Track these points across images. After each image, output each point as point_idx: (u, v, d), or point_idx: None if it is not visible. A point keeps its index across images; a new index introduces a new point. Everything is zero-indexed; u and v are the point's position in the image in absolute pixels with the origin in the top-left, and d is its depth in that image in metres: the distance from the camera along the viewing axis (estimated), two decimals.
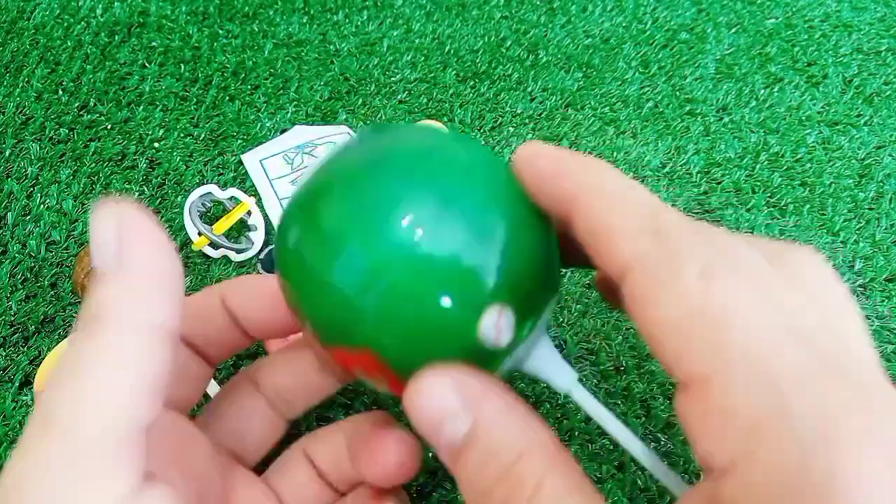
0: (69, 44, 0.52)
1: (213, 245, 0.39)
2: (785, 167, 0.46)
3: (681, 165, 0.46)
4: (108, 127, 0.47)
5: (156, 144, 0.46)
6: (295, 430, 0.27)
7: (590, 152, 0.46)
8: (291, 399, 0.26)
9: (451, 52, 0.53)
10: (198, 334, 0.24)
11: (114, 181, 0.44)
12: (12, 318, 0.37)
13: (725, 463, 0.13)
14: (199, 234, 0.39)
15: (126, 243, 0.17)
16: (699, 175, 0.45)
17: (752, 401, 0.13)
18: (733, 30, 0.56)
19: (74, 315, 0.37)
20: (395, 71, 0.51)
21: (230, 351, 0.26)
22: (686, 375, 0.14)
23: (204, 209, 0.41)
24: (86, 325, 0.16)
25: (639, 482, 0.32)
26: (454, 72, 0.51)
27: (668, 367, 0.15)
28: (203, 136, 0.46)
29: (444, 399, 0.18)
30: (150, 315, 0.16)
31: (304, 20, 0.55)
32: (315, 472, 0.25)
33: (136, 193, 0.43)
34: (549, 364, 0.21)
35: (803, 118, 0.49)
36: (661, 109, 0.49)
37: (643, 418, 0.34)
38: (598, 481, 0.32)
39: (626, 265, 0.16)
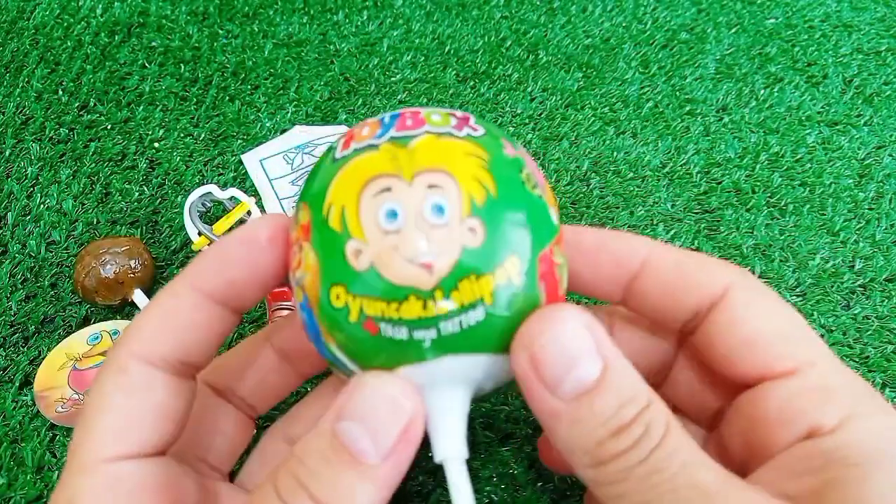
0: (69, 44, 0.52)
1: None
2: (785, 167, 0.46)
3: (681, 165, 0.46)
4: (108, 127, 0.47)
5: (156, 144, 0.46)
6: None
7: (590, 152, 0.46)
8: (257, 402, 0.25)
9: (451, 52, 0.53)
10: (247, 383, 0.24)
11: (114, 181, 0.44)
12: (12, 319, 0.37)
13: (834, 423, 0.17)
14: (200, 234, 0.39)
15: (404, 445, 0.18)
16: (699, 175, 0.45)
17: (846, 380, 0.18)
18: (733, 30, 0.56)
19: (74, 315, 0.37)
20: (395, 71, 0.51)
21: (276, 397, 0.25)
22: (786, 366, 0.18)
23: (204, 209, 0.41)
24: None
25: None
26: (454, 72, 0.51)
27: (766, 362, 0.19)
28: (203, 136, 0.46)
29: (580, 338, 0.17)
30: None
31: (304, 20, 0.55)
32: None
33: (136, 193, 0.43)
34: None
35: (803, 118, 0.49)
36: (661, 109, 0.49)
37: None
38: None
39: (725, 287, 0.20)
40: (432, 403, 0.19)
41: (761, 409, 0.18)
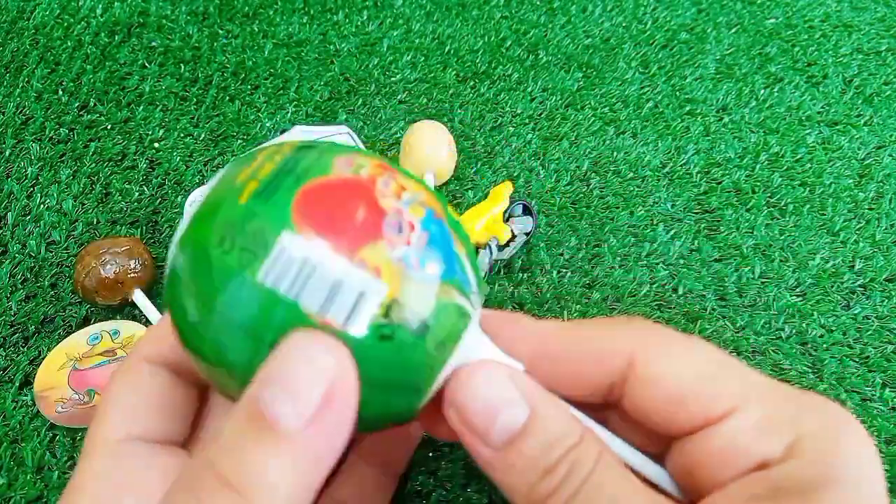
0: (69, 44, 0.52)
1: None
2: (785, 167, 0.46)
3: (681, 165, 0.46)
4: (108, 127, 0.47)
5: (156, 144, 0.46)
6: None
7: (590, 152, 0.46)
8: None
9: (451, 52, 0.53)
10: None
11: (114, 181, 0.44)
12: (12, 319, 0.37)
13: (780, 453, 0.17)
14: None
15: (329, 412, 0.15)
16: (699, 175, 0.45)
17: (785, 404, 0.18)
18: (733, 30, 0.56)
19: (74, 315, 0.37)
20: (395, 71, 0.51)
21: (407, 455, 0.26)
22: (720, 410, 0.18)
23: None
24: (236, 498, 0.15)
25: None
26: (454, 72, 0.51)
27: (698, 413, 0.18)
28: (203, 136, 0.46)
29: (503, 388, 0.18)
30: (305, 502, 0.16)
31: (304, 20, 0.55)
32: None
33: (136, 193, 0.43)
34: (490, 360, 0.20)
35: (803, 118, 0.49)
36: (661, 109, 0.49)
37: None
38: None
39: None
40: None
41: (705, 453, 0.18)
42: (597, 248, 0.41)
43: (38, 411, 0.33)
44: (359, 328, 0.16)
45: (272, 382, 0.15)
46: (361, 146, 0.46)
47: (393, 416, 0.19)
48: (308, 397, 0.15)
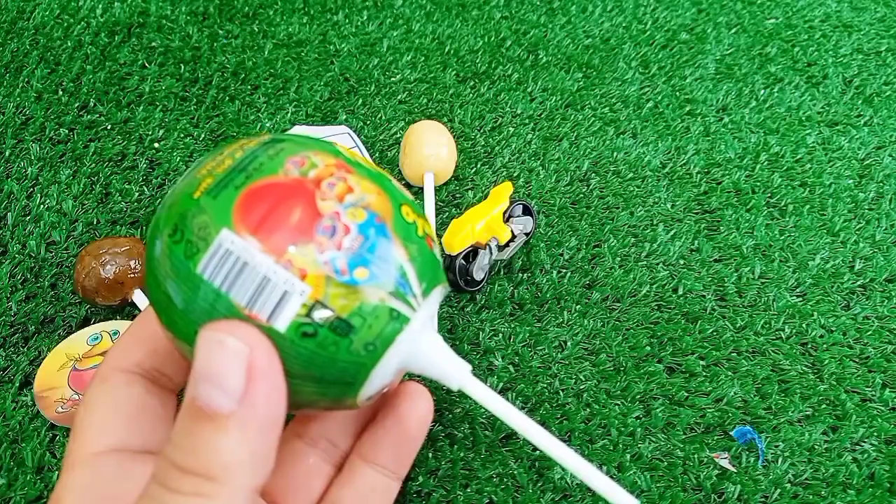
0: (69, 44, 0.52)
1: None
2: (785, 167, 0.46)
3: (681, 166, 0.46)
4: (108, 127, 0.47)
5: (156, 145, 0.46)
6: None
7: (590, 152, 0.46)
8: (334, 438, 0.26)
9: (451, 52, 0.53)
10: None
11: (114, 181, 0.44)
12: (12, 319, 0.37)
13: None
14: None
15: (257, 390, 0.17)
16: (699, 175, 0.45)
17: None
18: (733, 30, 0.56)
19: (74, 315, 0.37)
20: (395, 71, 0.51)
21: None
22: None
23: None
24: (201, 483, 0.16)
25: (639, 482, 0.32)
26: (454, 72, 0.51)
27: None
28: (203, 136, 0.46)
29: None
30: (260, 478, 0.17)
31: (304, 20, 0.55)
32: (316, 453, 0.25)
33: (136, 194, 0.43)
34: (435, 362, 0.21)
35: (803, 118, 0.49)
36: (661, 110, 0.49)
37: (643, 418, 0.34)
38: None
39: None
40: (417, 364, 0.21)
41: None
42: (597, 249, 0.41)
43: (38, 411, 0.33)
44: (282, 324, 0.18)
45: (200, 379, 0.17)
46: (361, 146, 0.46)
47: (332, 404, 0.20)
48: (232, 381, 0.17)
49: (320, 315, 0.18)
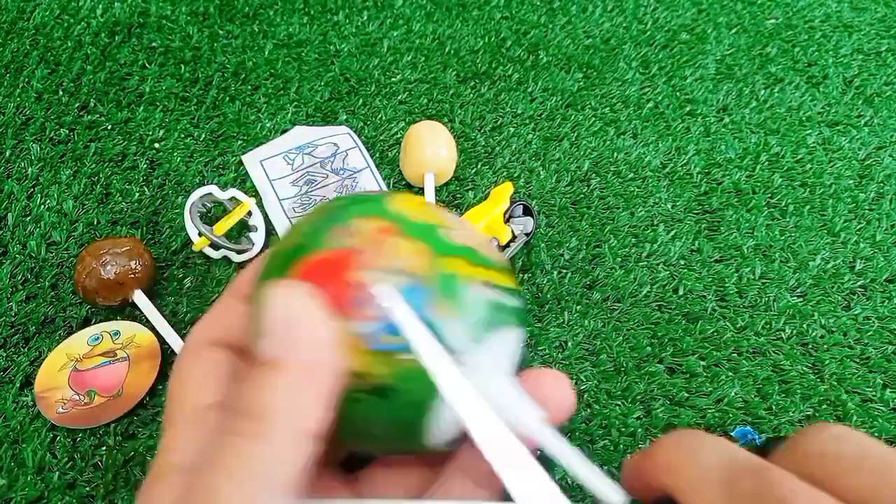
0: (69, 44, 0.52)
1: (214, 246, 0.39)
2: (785, 168, 0.46)
3: (681, 166, 0.46)
4: (109, 127, 0.47)
5: (156, 145, 0.46)
6: None
7: (590, 153, 0.46)
8: None
9: (452, 52, 0.53)
10: None
11: (114, 182, 0.44)
12: (13, 319, 0.37)
13: None
14: (200, 234, 0.39)
15: (294, 336, 0.18)
16: (699, 175, 0.45)
17: None
18: (733, 30, 0.56)
19: (74, 316, 0.37)
20: (396, 71, 0.51)
21: None
22: None
23: (204, 210, 0.41)
24: (250, 423, 0.18)
25: None
26: (454, 72, 0.51)
27: None
28: (203, 136, 0.46)
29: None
30: (306, 421, 0.18)
31: (305, 20, 0.55)
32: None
33: (137, 194, 0.43)
34: (502, 408, 0.20)
35: (804, 119, 0.49)
36: (661, 110, 0.49)
37: (643, 419, 0.34)
38: None
39: None
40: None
41: None
42: (597, 249, 0.41)
43: (39, 412, 0.33)
44: None
45: (253, 332, 0.18)
46: (361, 146, 0.46)
47: (397, 451, 0.21)
48: (278, 329, 0.18)
49: (360, 383, 0.19)
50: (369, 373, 0.19)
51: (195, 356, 0.22)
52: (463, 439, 0.21)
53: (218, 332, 0.23)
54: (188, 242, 0.40)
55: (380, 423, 0.20)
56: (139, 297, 0.37)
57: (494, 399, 0.20)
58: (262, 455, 0.17)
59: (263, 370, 0.18)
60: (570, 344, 0.37)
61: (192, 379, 0.21)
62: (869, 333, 0.38)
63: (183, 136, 0.46)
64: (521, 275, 0.40)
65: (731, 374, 0.36)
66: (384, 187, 0.44)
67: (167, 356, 0.36)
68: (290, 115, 0.48)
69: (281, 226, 0.42)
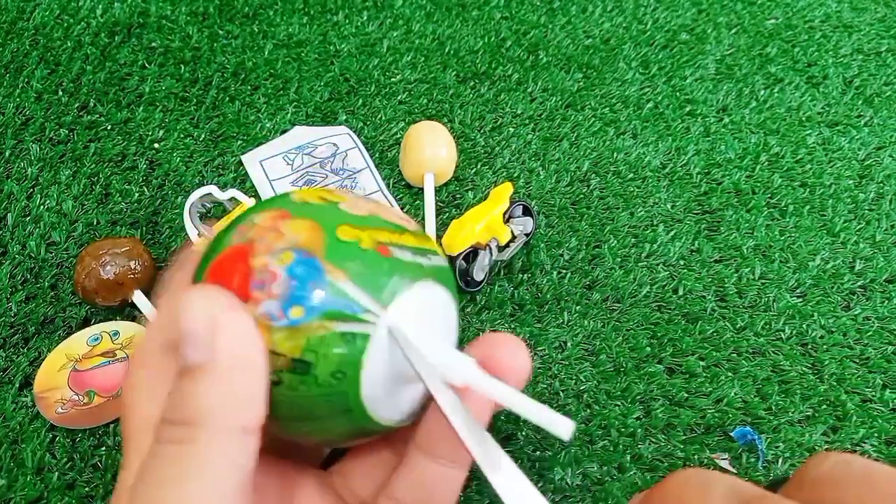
0: (69, 44, 0.52)
1: None
2: (785, 168, 0.46)
3: (681, 166, 0.46)
4: (108, 128, 0.47)
5: (156, 145, 0.46)
6: None
7: (590, 153, 0.46)
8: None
9: (451, 52, 0.53)
10: None
11: (114, 182, 0.44)
12: (12, 320, 0.37)
13: None
14: (200, 234, 0.39)
15: (219, 337, 0.18)
16: (699, 176, 0.45)
17: None
18: (733, 30, 0.56)
19: (74, 316, 0.37)
20: (395, 71, 0.51)
21: None
22: None
23: (204, 210, 0.41)
24: (183, 429, 0.18)
25: (638, 482, 0.32)
26: (454, 72, 0.51)
27: None
28: (203, 136, 0.46)
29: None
30: (242, 417, 0.18)
31: (304, 21, 0.55)
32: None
33: (136, 194, 0.43)
34: (435, 362, 0.21)
35: (803, 119, 0.49)
36: (661, 110, 0.49)
37: (643, 419, 0.34)
38: (597, 482, 0.32)
39: None
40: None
41: None
42: (597, 249, 0.41)
43: (38, 412, 0.33)
44: None
45: (179, 342, 0.18)
46: (361, 146, 0.46)
47: (357, 433, 0.21)
48: (201, 335, 0.18)
49: (275, 363, 0.19)
50: (281, 350, 0.19)
51: (142, 366, 0.22)
52: (415, 414, 0.21)
53: (170, 334, 0.22)
54: (188, 243, 0.40)
55: (311, 400, 0.19)
56: (139, 298, 0.37)
57: (421, 351, 0.20)
58: (198, 457, 0.17)
59: (192, 376, 0.18)
60: (569, 344, 0.37)
61: (140, 390, 0.21)
62: (869, 334, 0.38)
63: (183, 136, 0.46)
64: (520, 275, 0.40)
65: (730, 374, 0.36)
66: (384, 187, 0.44)
67: None
68: (289, 115, 0.48)
69: None
